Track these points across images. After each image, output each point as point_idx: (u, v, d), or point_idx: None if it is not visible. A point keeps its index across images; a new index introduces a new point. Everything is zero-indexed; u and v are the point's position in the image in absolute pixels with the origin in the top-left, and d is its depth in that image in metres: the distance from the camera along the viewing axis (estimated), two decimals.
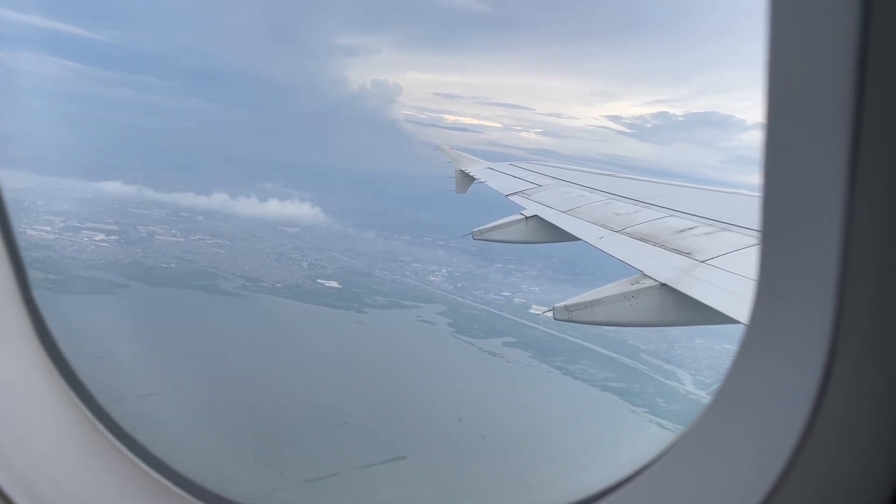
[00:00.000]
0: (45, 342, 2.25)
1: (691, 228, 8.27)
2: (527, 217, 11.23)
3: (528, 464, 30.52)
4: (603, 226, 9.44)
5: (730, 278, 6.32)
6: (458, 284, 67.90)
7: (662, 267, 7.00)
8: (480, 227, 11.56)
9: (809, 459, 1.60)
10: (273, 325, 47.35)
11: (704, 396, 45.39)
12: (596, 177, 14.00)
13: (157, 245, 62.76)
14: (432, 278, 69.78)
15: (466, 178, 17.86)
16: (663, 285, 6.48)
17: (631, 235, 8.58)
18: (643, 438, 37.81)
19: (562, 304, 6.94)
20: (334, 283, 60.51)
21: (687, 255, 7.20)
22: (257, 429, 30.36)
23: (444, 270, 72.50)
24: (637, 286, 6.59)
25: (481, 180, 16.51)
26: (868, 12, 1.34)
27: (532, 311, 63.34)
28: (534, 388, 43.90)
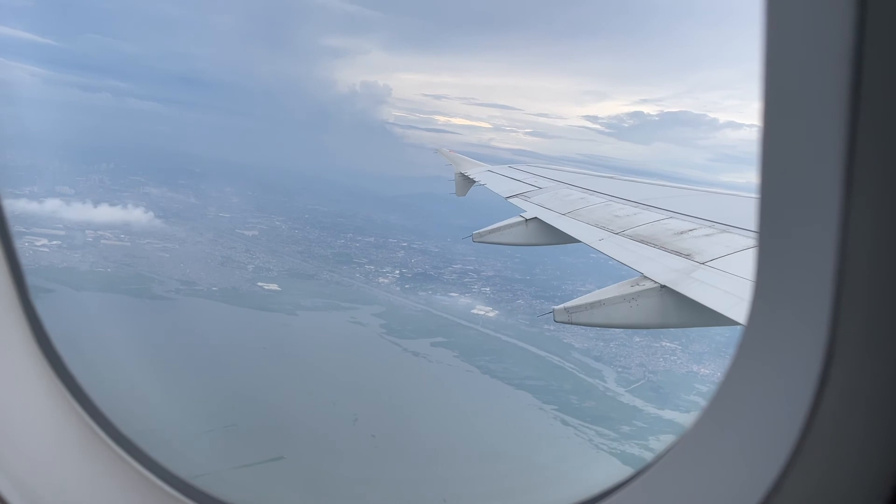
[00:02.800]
0: (43, 345, 2.26)
1: (691, 230, 8.20)
2: (527, 219, 11.17)
3: (408, 459, 30.57)
4: (603, 228, 9.37)
5: (730, 280, 6.26)
6: (407, 286, 67.83)
7: (663, 269, 6.94)
8: (480, 230, 11.45)
9: (808, 460, 1.59)
10: (189, 328, 47.32)
11: (622, 394, 45.38)
12: (596, 179, 13.92)
13: (100, 250, 62.75)
14: (381, 280, 69.70)
15: (466, 181, 17.88)
16: (663, 287, 6.44)
17: (631, 237, 8.50)
18: (538, 434, 37.83)
19: (562, 306, 6.82)
20: (274, 286, 60.57)
21: (687, 256, 7.16)
22: (139, 428, 30.33)
23: (397, 272, 72.40)
24: (637, 288, 6.54)
25: (481, 183, 16.47)
26: (864, 12, 1.33)
27: (474, 311, 63.60)
28: (446, 387, 43.86)
